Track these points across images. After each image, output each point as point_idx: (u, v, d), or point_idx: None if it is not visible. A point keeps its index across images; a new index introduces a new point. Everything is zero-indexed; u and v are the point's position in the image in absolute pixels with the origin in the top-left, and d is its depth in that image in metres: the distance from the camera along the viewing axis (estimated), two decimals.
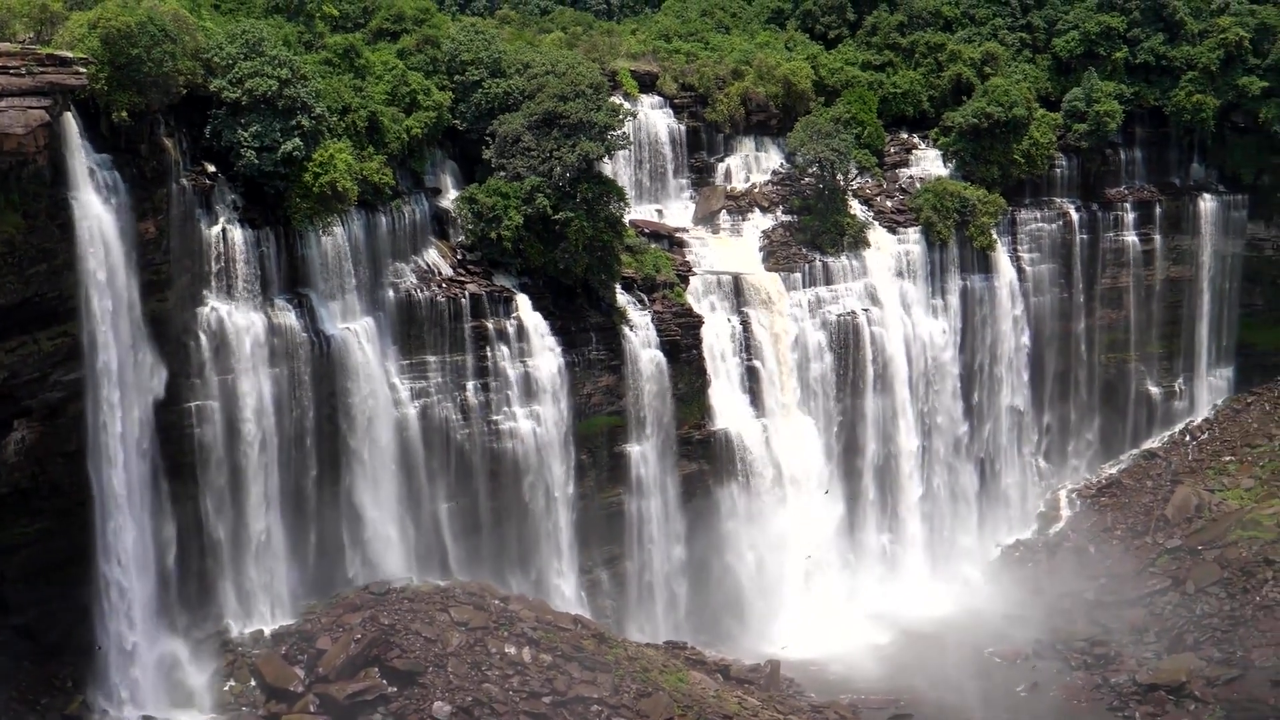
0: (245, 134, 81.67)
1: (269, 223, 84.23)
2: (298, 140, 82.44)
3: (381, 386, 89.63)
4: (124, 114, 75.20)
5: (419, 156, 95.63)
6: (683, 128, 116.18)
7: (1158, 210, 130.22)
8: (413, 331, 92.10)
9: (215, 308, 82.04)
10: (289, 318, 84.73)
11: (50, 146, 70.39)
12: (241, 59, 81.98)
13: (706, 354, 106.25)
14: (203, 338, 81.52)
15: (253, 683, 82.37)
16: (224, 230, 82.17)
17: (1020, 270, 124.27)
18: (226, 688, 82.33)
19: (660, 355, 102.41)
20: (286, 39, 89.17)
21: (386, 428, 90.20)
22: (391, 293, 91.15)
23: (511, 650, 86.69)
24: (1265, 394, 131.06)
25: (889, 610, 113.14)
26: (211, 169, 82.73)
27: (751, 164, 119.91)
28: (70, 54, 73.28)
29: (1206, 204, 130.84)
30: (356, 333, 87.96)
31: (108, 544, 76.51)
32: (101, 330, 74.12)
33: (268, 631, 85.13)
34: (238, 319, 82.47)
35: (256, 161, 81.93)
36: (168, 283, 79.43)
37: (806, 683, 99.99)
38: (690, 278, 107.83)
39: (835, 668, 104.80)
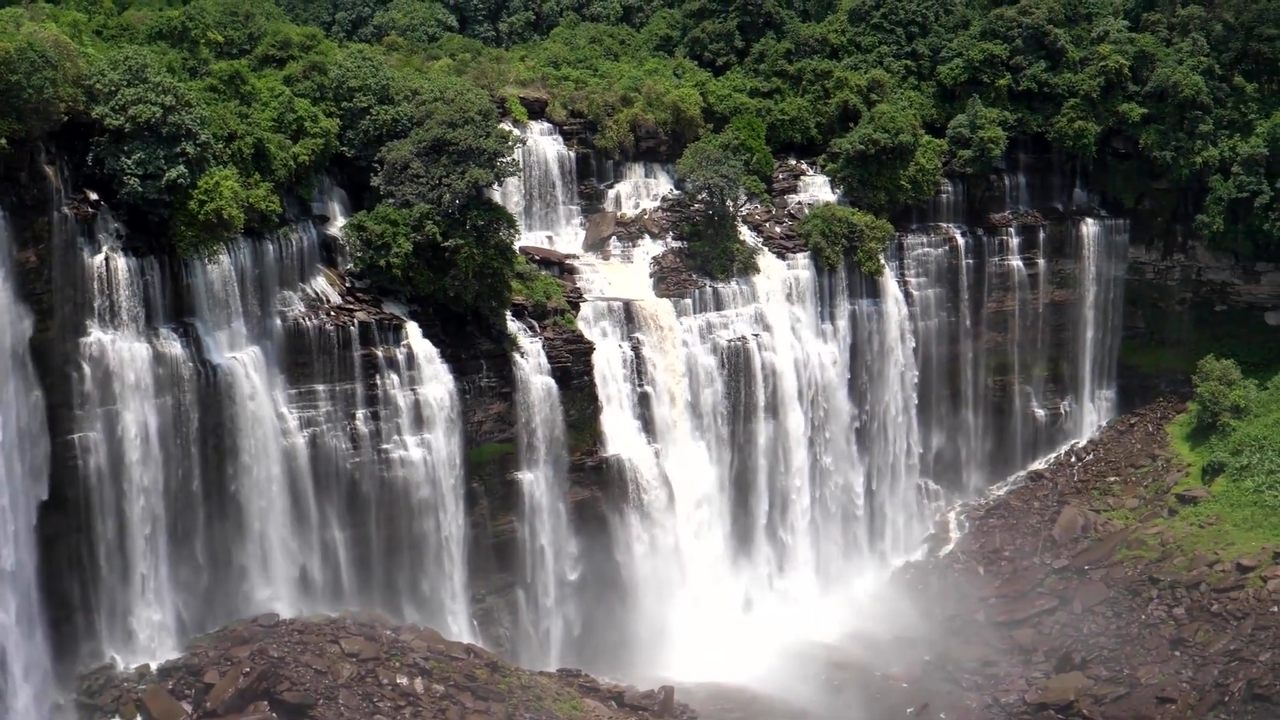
0: (128, 161, 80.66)
1: (153, 251, 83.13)
2: (182, 167, 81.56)
3: (269, 416, 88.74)
4: (3, 141, 74.02)
5: (306, 184, 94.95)
6: (572, 154, 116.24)
7: (1042, 235, 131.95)
8: (301, 360, 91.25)
9: (98, 337, 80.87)
10: (174, 347, 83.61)
11: None
12: (124, 85, 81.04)
13: (598, 380, 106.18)
14: (86, 368, 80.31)
15: (139, 718, 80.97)
16: (107, 259, 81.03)
17: (908, 294, 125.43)
18: None
19: (551, 382, 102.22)
20: (170, 65, 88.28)
21: (274, 458, 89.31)
22: (279, 321, 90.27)
23: (403, 681, 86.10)
24: (1148, 415, 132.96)
25: (781, 633, 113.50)
26: (94, 197, 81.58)
27: (641, 190, 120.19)
28: None
29: (1089, 228, 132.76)
30: (243, 362, 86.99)
31: None
32: None
33: (154, 666, 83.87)
34: (121, 349, 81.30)
35: (140, 189, 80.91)
36: (49, 312, 78.26)
37: (700, 708, 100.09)
38: (581, 304, 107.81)
39: (728, 692, 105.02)
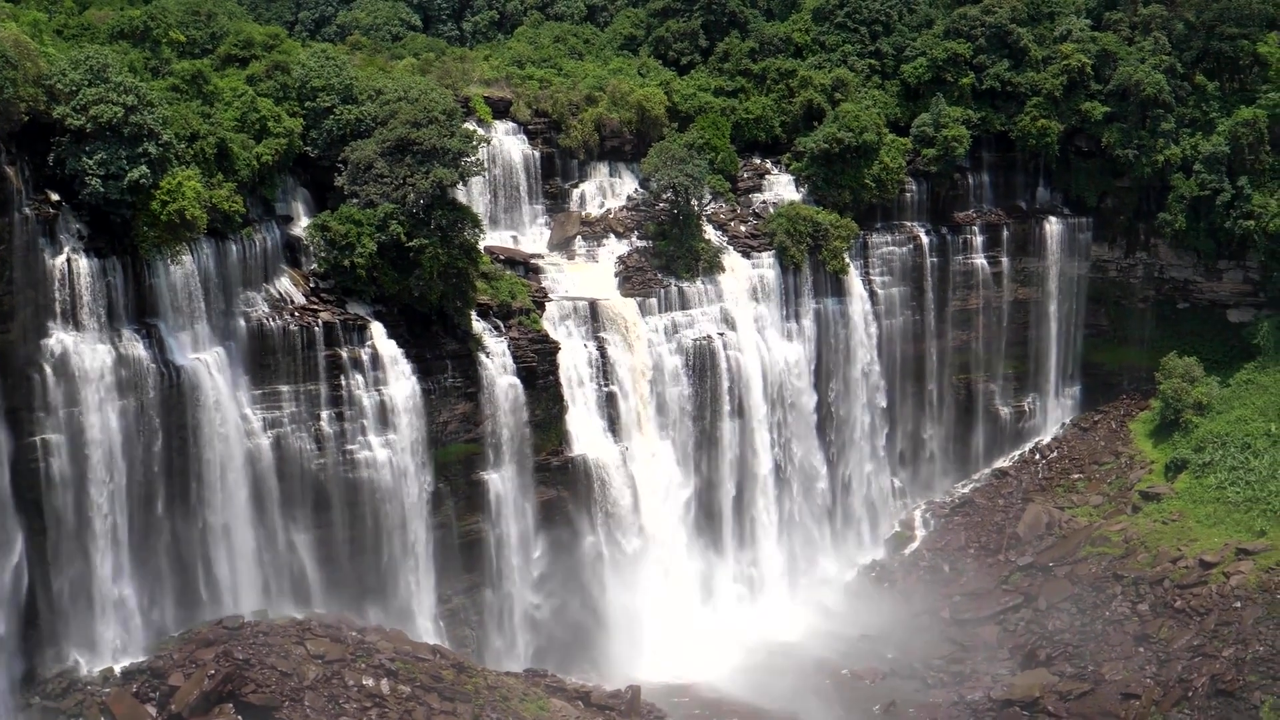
0: (90, 162, 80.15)
1: (116, 252, 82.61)
2: (144, 168, 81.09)
3: (233, 417, 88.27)
4: None
5: (270, 184, 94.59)
6: (537, 154, 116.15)
7: (1005, 233, 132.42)
8: (265, 361, 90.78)
9: (60, 339, 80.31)
10: (137, 348, 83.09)
11: None
12: (86, 85, 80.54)
13: (563, 380, 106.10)
14: (48, 370, 79.75)
15: None
16: (69, 260, 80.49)
17: (872, 293, 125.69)
18: None
19: (517, 382, 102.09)
20: (132, 65, 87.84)
21: (239, 459, 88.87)
22: (243, 322, 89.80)
23: (369, 682, 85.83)
24: (1111, 412, 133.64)
25: (748, 632, 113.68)
26: (55, 197, 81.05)
27: (606, 190, 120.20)
28: None
29: (1052, 226, 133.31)
30: (207, 363, 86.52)
31: None
32: None
33: (118, 669, 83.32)
34: (84, 350, 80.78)
35: (102, 189, 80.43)
36: (10, 314, 77.68)
37: (667, 707, 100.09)
38: (546, 304, 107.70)
39: (695, 691, 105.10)
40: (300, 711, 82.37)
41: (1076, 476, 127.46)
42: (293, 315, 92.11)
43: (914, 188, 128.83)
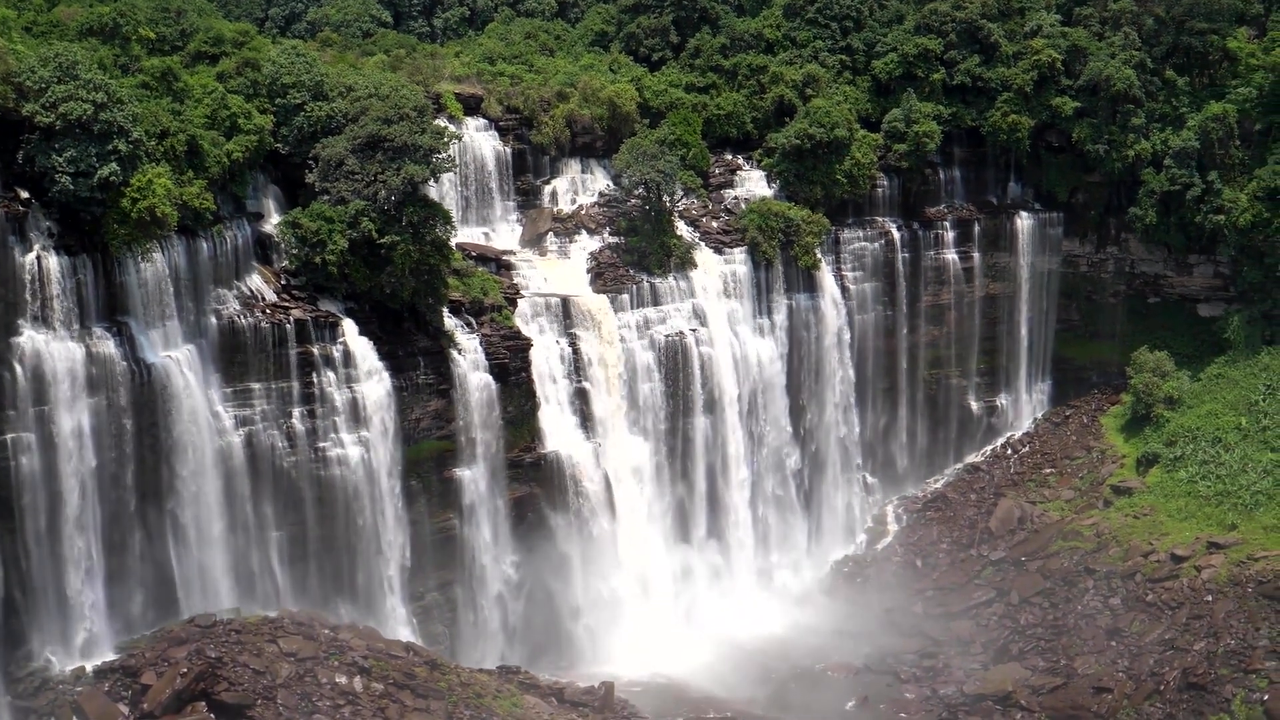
0: (60, 159, 79.70)
1: (86, 249, 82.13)
2: (115, 165, 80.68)
3: (204, 415, 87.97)
4: None
5: (240, 181, 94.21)
6: (508, 150, 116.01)
7: (977, 228, 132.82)
8: (236, 358, 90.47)
9: (31, 337, 79.82)
10: (108, 346, 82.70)
11: None
12: (55, 82, 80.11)
13: (536, 376, 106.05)
14: (18, 368, 79.33)
15: None
16: (39, 258, 79.99)
17: (844, 289, 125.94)
18: None
19: (489, 378, 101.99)
20: (102, 62, 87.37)
21: (210, 457, 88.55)
22: (214, 319, 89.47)
23: (342, 680, 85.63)
24: (1082, 407, 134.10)
25: (721, 628, 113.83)
26: (25, 195, 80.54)
27: (578, 186, 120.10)
28: None
29: (1023, 222, 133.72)
30: (178, 361, 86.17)
31: None
32: None
33: (89, 667, 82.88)
34: (54, 348, 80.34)
35: (72, 187, 79.96)
36: None
37: (641, 703, 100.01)
38: (518, 300, 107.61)
39: (669, 687, 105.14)
40: (273, 709, 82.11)
41: (1048, 471, 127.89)
42: (264, 312, 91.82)
43: (885, 183, 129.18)
